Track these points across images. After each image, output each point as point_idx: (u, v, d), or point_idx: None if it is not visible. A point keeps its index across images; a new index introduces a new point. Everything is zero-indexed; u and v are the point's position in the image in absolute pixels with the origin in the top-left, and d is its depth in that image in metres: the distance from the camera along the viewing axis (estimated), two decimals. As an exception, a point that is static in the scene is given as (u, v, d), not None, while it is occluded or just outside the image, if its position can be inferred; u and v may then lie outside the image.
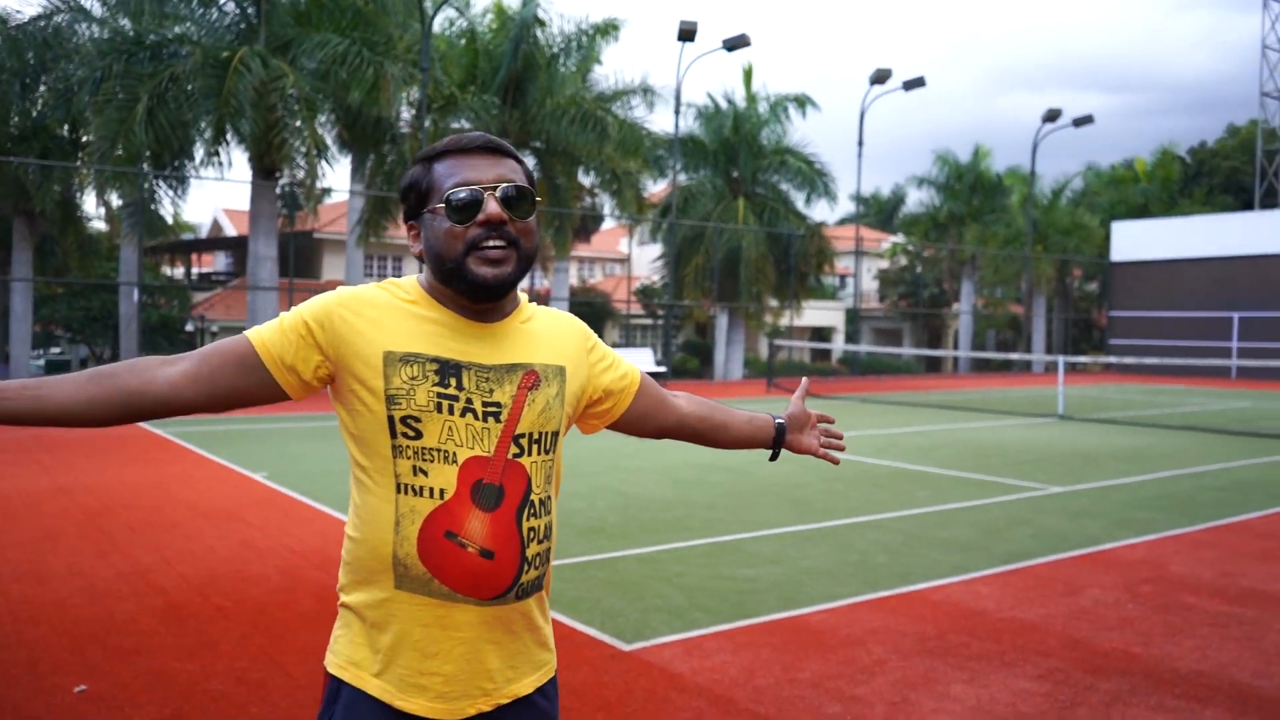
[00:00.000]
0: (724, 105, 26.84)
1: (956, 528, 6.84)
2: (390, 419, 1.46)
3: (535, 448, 1.52)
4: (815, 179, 26.17)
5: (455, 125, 20.56)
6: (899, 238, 42.28)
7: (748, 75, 27.06)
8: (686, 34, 22.50)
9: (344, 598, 1.54)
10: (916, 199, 38.28)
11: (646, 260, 37.20)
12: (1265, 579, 5.54)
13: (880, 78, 26.26)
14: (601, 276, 48.28)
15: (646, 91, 23.62)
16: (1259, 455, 11.08)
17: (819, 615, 4.76)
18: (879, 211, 57.74)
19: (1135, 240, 33.11)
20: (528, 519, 1.50)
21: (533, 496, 1.50)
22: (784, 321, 28.87)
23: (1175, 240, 31.89)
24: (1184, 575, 5.61)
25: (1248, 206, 38.44)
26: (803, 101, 26.34)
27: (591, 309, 34.74)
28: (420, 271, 1.62)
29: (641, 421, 1.78)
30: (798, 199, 27.17)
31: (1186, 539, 6.60)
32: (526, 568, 1.50)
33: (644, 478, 8.87)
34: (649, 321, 38.76)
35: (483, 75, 21.60)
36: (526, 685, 1.56)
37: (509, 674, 1.53)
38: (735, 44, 22.99)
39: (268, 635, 4.33)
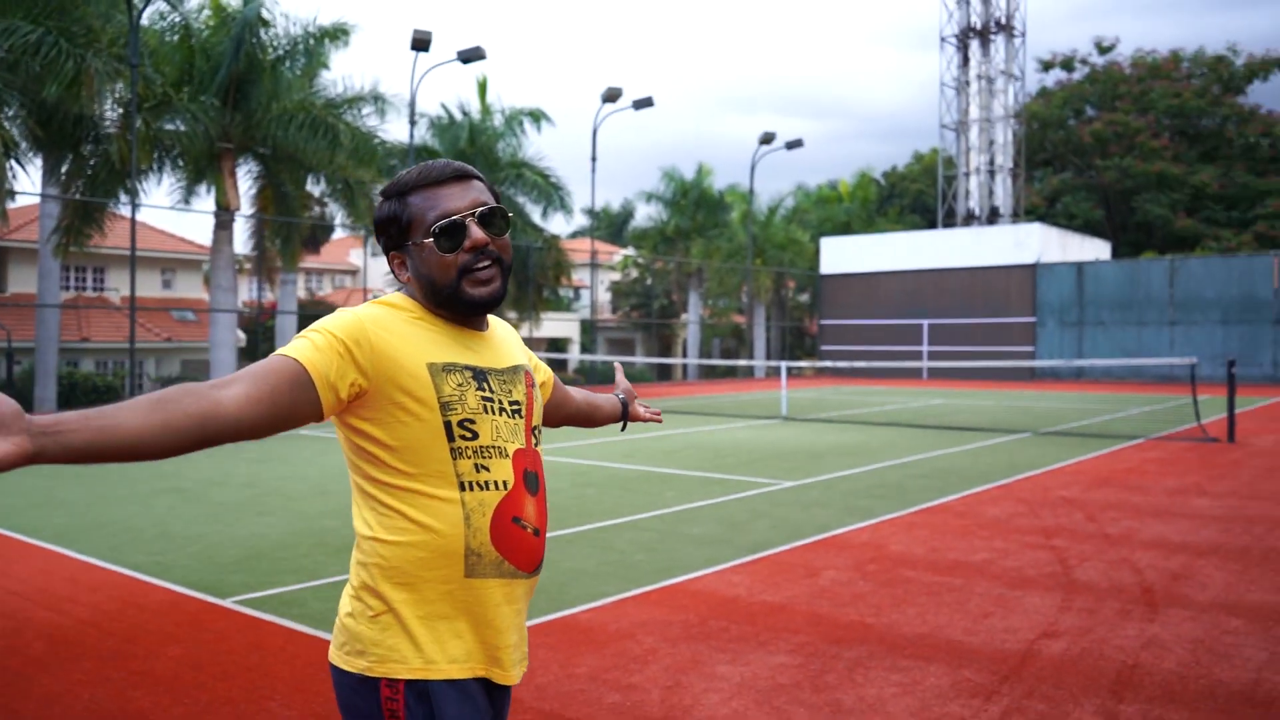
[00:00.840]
0: (459, 116, 26.73)
1: (704, 524, 7.28)
2: (447, 424, 1.57)
3: (540, 436, 1.76)
4: (551, 192, 26.62)
5: (170, 127, 19.15)
6: (630, 251, 43.83)
7: (482, 87, 27.12)
8: (420, 43, 22.23)
9: (374, 606, 1.58)
10: (645, 214, 39.88)
11: (380, 272, 36.21)
12: (966, 551, 6.33)
13: (611, 96, 27.14)
14: (331, 289, 46.45)
15: (378, 99, 23.08)
16: (953, 445, 12.52)
17: (587, 613, 4.94)
18: (610, 225, 59.52)
19: (840, 254, 36.20)
20: (545, 499, 1.75)
21: (543, 478, 1.75)
22: (522, 334, 29.10)
23: (874, 255, 35.16)
24: (902, 553, 6.30)
25: (932, 225, 43.04)
26: (538, 116, 26.73)
27: (321, 323, 33.36)
28: (396, 290, 1.71)
29: (554, 411, 2.04)
30: (534, 212, 27.52)
31: (901, 521, 7.39)
32: (544, 546, 1.74)
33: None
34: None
35: (200, 75, 20.25)
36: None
37: (518, 637, 1.71)
38: (470, 56, 22.98)
39: (-3, 683, 3.93)
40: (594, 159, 28.53)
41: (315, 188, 23.86)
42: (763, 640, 4.49)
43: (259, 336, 26.65)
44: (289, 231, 22.38)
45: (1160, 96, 40.50)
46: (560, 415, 2.12)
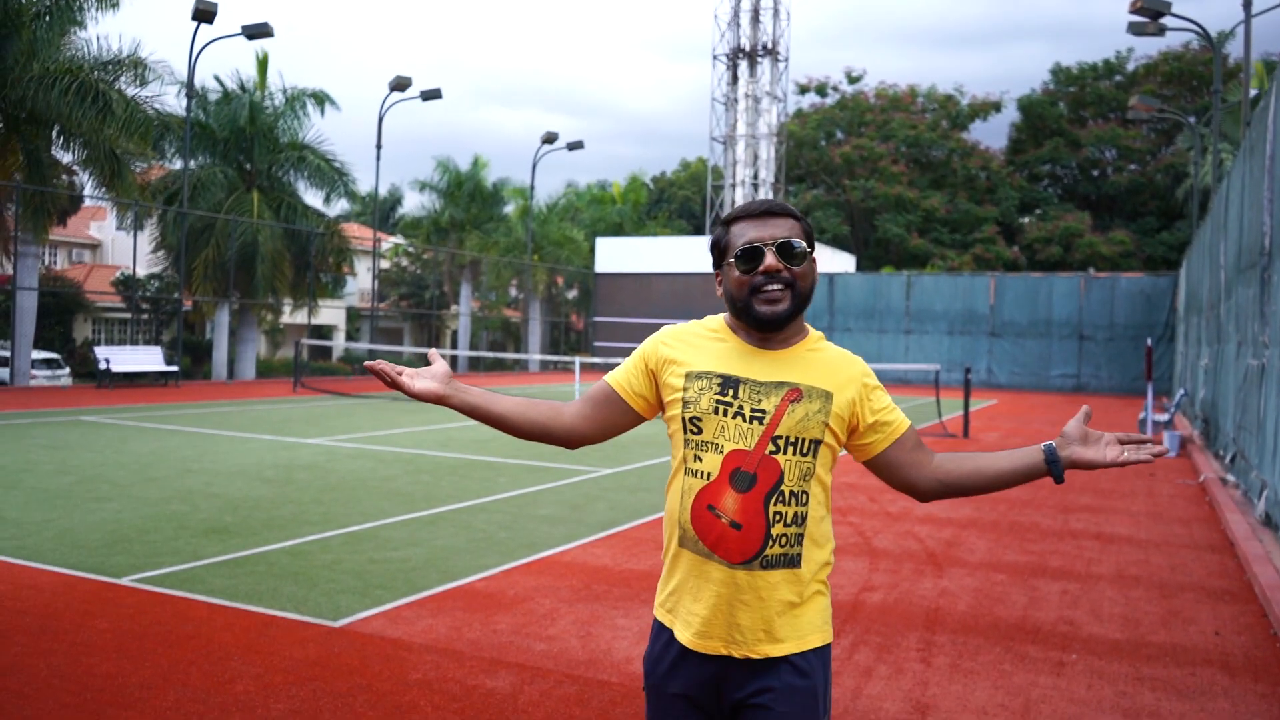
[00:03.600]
0: (236, 92, 25.63)
1: (550, 506, 7.96)
2: (684, 420, 1.94)
3: (791, 449, 1.88)
4: (334, 177, 26.11)
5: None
6: (399, 239, 43.27)
7: (263, 65, 26.17)
8: (204, 14, 21.26)
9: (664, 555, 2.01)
10: (418, 202, 39.57)
11: (130, 249, 33.82)
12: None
13: (400, 85, 26.96)
14: (68, 264, 42.69)
15: (139, 65, 21.82)
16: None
17: (481, 582, 5.52)
18: (378, 211, 58.14)
19: (614, 254, 37.59)
20: (775, 503, 1.87)
21: (784, 487, 1.88)
22: (298, 319, 28.29)
23: (647, 256, 36.81)
24: (730, 529, 7.25)
25: (698, 231, 45.45)
26: (321, 99, 26.12)
27: (59, 300, 30.84)
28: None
29: (892, 469, 2.02)
30: (315, 196, 26.88)
31: (719, 503, 8.38)
32: (771, 542, 1.87)
33: (229, 479, 8.78)
34: (128, 316, 35.32)
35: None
36: (781, 649, 1.89)
37: (761, 635, 1.89)
38: (256, 32, 22.23)
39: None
40: (379, 146, 28.22)
41: (68, 155, 22.19)
42: (645, 600, 5.26)
43: (-3, 313, 24.32)
44: (40, 201, 20.73)
45: (899, 127, 44.87)
46: (901, 478, 2.03)
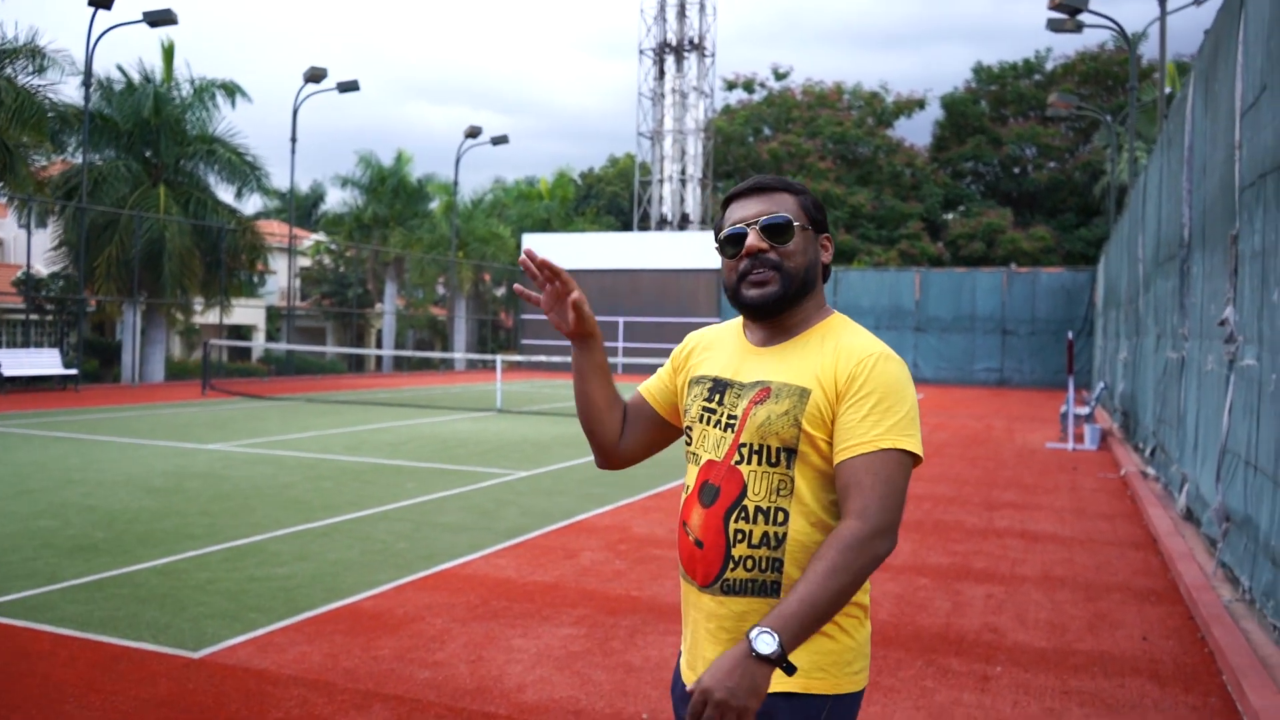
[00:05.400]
0: (140, 82, 24.51)
1: (455, 513, 7.51)
2: (684, 428, 1.81)
3: (755, 457, 1.64)
4: (247, 171, 25.14)
5: None
6: (321, 236, 42.16)
7: (169, 53, 25.08)
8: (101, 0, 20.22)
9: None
10: (339, 198, 38.59)
11: (36, 248, 32.32)
12: (700, 531, 7.06)
13: (315, 76, 26.09)
14: (-34, 262, 40.67)
15: (37, 54, 20.74)
16: (661, 437, 13.48)
17: (369, 600, 5.08)
18: (298, 208, 56.67)
19: (541, 251, 36.77)
20: (735, 520, 1.63)
21: (746, 502, 1.63)
22: (208, 319, 27.25)
23: (574, 252, 36.30)
24: (645, 534, 6.91)
25: (626, 227, 45.10)
26: (232, 90, 25.10)
27: (-44, 301, 29.32)
28: None
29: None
30: (226, 191, 25.88)
31: (636, 505, 8.04)
32: (732, 564, 1.62)
33: (112, 490, 8.16)
34: (33, 318, 33.76)
35: None
36: None
37: None
38: (159, 19, 21.24)
39: None
40: (294, 139, 27.30)
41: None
42: (545, 615, 4.87)
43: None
44: (-72, 196, 19.55)
45: (826, 123, 45.05)
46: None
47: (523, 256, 1.75)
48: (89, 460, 9.84)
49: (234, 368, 32.50)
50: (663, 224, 38.92)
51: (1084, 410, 13.86)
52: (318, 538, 6.52)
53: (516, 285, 1.93)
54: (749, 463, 1.63)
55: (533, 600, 5.14)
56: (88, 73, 21.57)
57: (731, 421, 1.68)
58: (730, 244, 1.72)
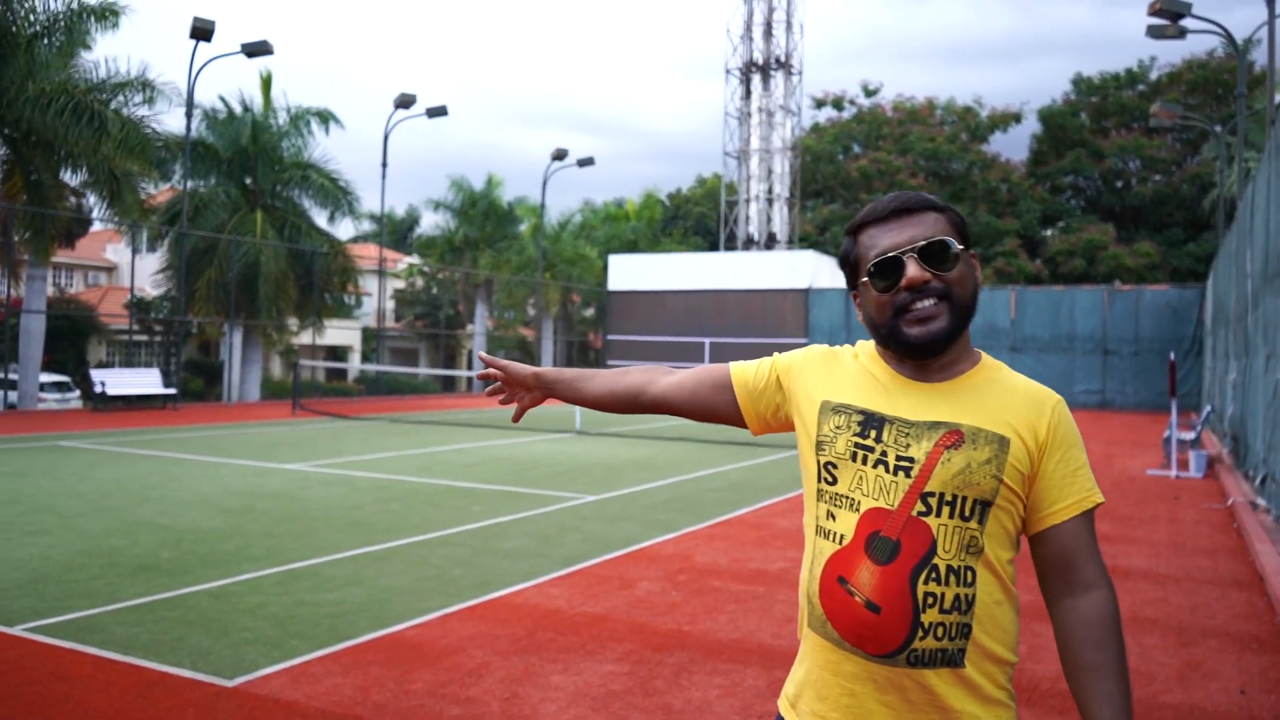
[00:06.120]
0: (239, 111, 25.43)
1: (516, 538, 7.40)
2: (819, 464, 1.55)
3: (947, 509, 1.44)
4: (339, 196, 25.81)
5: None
6: (414, 258, 43.04)
7: (267, 83, 25.97)
8: (201, 33, 21.03)
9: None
10: (432, 221, 39.35)
11: (144, 271, 33.80)
12: (765, 561, 6.79)
13: (405, 102, 26.65)
14: (84, 286, 42.78)
15: (146, 86, 21.66)
16: (740, 460, 13.21)
17: (413, 630, 4.97)
18: (393, 231, 58.13)
19: (628, 272, 37.07)
20: (925, 582, 1.43)
21: (936, 560, 1.43)
22: (303, 340, 28.00)
23: (660, 273, 36.27)
24: (708, 563, 6.67)
25: (713, 248, 44.91)
26: (326, 117, 25.87)
27: (72, 323, 30.77)
28: None
29: (1041, 569, 1.53)
30: (320, 215, 26.59)
31: (702, 533, 7.80)
32: (920, 633, 1.42)
33: (185, 509, 8.29)
34: (144, 338, 35.23)
35: (-59, 47, 18.30)
36: None
37: None
38: (256, 50, 21.96)
39: None
40: (384, 164, 27.91)
41: (73, 177, 22.03)
42: (590, 650, 4.69)
43: (2, 335, 24.13)
44: (42, 223, 20.52)
45: (917, 140, 44.18)
46: (1047, 589, 1.55)
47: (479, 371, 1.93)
48: (169, 478, 10.05)
49: (330, 388, 33.33)
50: (749, 244, 38.61)
51: (1189, 435, 13.08)
52: (374, 562, 6.46)
53: (487, 391, 1.95)
54: (938, 515, 1.44)
55: (579, 633, 4.96)
56: (189, 103, 22.42)
57: (905, 464, 1.47)
58: (881, 275, 1.51)
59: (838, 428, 1.53)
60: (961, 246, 1.51)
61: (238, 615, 5.12)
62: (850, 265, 1.59)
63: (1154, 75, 43.47)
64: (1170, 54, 44.04)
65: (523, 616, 5.25)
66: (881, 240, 1.52)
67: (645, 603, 5.59)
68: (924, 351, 1.50)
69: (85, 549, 6.63)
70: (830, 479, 1.53)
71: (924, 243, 1.49)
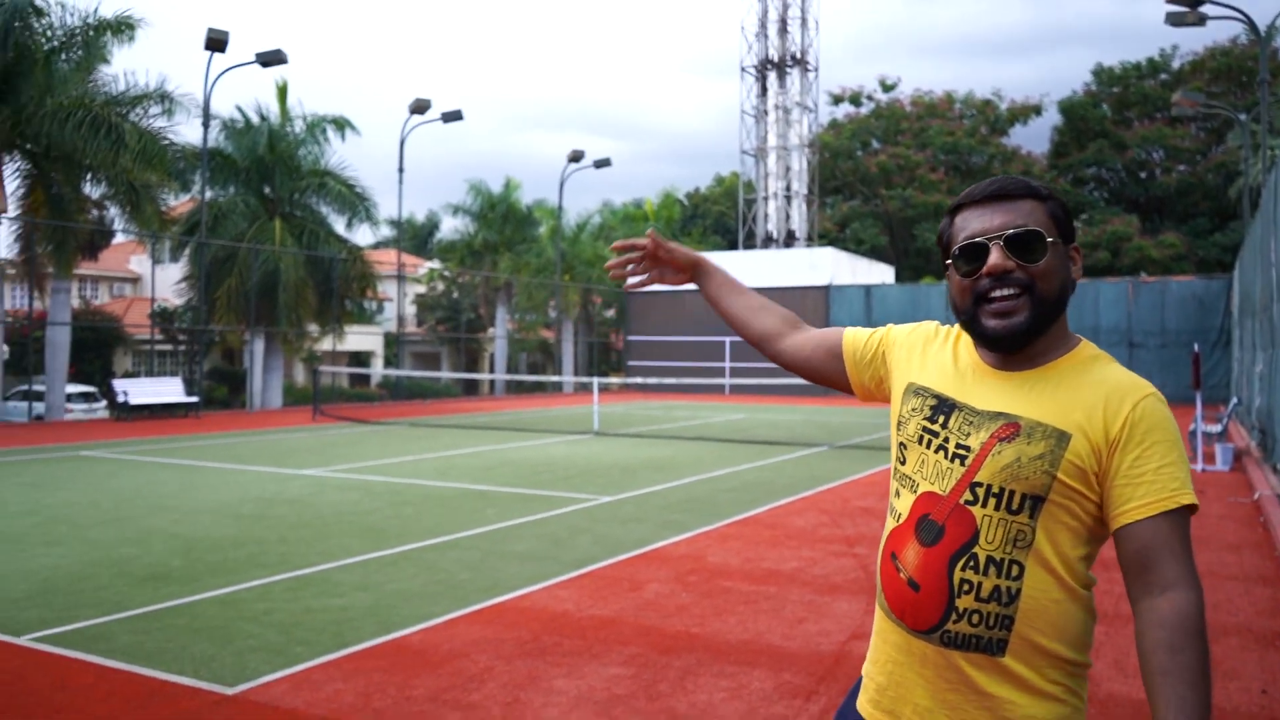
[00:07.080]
0: (256, 120, 25.60)
1: (527, 540, 7.35)
2: (896, 443, 1.61)
3: (993, 501, 1.44)
4: (356, 202, 25.91)
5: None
6: (435, 263, 43.19)
7: (282, 92, 26.10)
8: (216, 43, 21.18)
9: None
10: (452, 226, 39.49)
11: (167, 281, 34.11)
12: (778, 561, 6.71)
13: (420, 108, 26.73)
14: (109, 298, 43.23)
15: (165, 98, 21.83)
16: (756, 459, 13.12)
17: (418, 635, 4.93)
18: (414, 237, 58.36)
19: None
20: (962, 569, 1.44)
21: (977, 549, 1.44)
22: (324, 346, 28.14)
23: (679, 274, 36.19)
24: (719, 564, 6.60)
25: (733, 246, 44.77)
26: (342, 124, 25.97)
27: (98, 334, 31.08)
28: None
29: (1122, 569, 1.45)
30: (338, 222, 26.71)
31: (715, 534, 7.73)
32: (954, 616, 1.44)
33: (200, 517, 8.30)
34: (169, 348, 35.53)
35: (-39, 63, 18.51)
36: None
37: (941, 718, 1.48)
38: (270, 59, 22.09)
39: None
40: (401, 170, 28.00)
41: (94, 190, 22.25)
42: (595, 653, 4.63)
43: (28, 348, 24.45)
44: (64, 236, 20.72)
45: (936, 134, 43.88)
46: (1130, 589, 1.45)
47: (612, 261, 1.89)
48: (185, 486, 10.09)
49: (353, 393, 33.51)
50: (768, 242, 38.45)
51: (1215, 428, 12.86)
52: (383, 567, 6.44)
53: (626, 285, 1.94)
54: (983, 505, 1.45)
55: (585, 636, 4.90)
56: (206, 113, 22.59)
57: (961, 453, 1.48)
58: (966, 259, 1.49)
59: (913, 410, 1.57)
60: (1054, 238, 1.47)
61: (244, 622, 5.10)
62: (943, 246, 1.58)
63: (1176, 64, 42.96)
64: (1193, 42, 43.59)
65: (529, 620, 5.20)
66: (972, 223, 1.50)
67: (654, 604, 5.53)
68: (1001, 344, 1.49)
69: (97, 559, 6.64)
70: (901, 459, 1.57)
71: (1012, 231, 1.46)
